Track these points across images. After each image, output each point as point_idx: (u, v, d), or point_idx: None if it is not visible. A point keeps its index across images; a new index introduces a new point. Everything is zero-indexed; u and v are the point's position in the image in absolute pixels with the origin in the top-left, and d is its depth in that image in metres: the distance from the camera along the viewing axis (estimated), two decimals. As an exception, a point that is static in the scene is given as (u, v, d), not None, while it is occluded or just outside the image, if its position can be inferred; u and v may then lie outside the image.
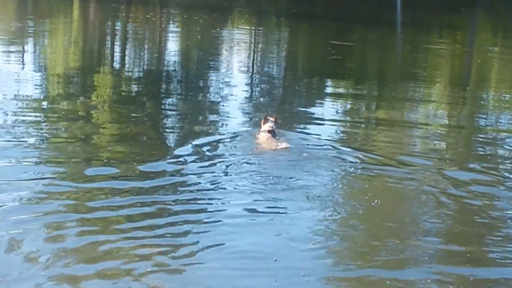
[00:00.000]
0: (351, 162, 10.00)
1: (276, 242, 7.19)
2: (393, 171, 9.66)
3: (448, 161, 10.42)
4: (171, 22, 28.71)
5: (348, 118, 13.33)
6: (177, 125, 11.99)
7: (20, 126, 10.73)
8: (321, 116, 13.18)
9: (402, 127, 12.67)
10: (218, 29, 25.45)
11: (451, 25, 34.61)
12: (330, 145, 10.81)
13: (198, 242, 7.09)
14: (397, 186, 9.16)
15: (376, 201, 8.45)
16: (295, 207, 8.13)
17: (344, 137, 11.69)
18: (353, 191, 9.00)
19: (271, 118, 10.97)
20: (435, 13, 39.16)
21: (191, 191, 8.50)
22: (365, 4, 41.22)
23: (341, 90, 16.26)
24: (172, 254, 6.80)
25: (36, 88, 14.03)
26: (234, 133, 11.18)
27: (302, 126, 12.19)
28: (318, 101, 15.02)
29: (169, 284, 6.27)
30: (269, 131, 10.68)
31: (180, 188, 8.62)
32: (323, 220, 7.83)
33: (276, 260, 6.75)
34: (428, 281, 6.62)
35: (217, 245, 7.03)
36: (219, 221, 7.67)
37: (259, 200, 8.33)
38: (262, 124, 10.92)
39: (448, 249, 7.42)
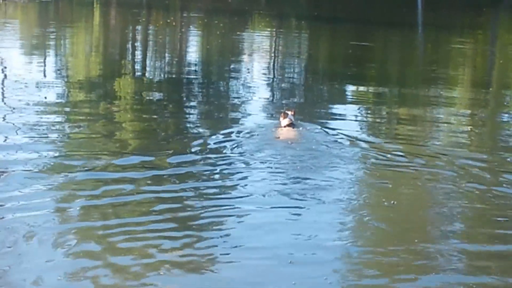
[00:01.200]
0: (372, 158, 9.97)
1: (294, 242, 7.08)
2: (415, 169, 9.59)
3: (470, 159, 10.30)
4: (191, 26, 28.75)
5: (369, 116, 13.30)
6: (198, 122, 12.16)
7: (43, 125, 10.87)
8: (342, 113, 13.23)
9: (424, 125, 12.63)
10: (238, 33, 25.45)
11: (473, 25, 34.40)
12: (351, 140, 10.79)
13: (215, 239, 7.06)
14: (420, 185, 9.09)
15: (393, 202, 8.32)
16: (316, 206, 8.05)
17: (366, 133, 11.62)
18: (374, 189, 8.92)
19: (290, 112, 11.10)
20: (457, 13, 38.96)
21: (211, 186, 8.50)
22: (386, 6, 41.09)
23: (362, 89, 16.20)
24: (188, 251, 6.76)
25: (58, 92, 14.09)
26: (255, 127, 11.29)
27: (323, 121, 12.17)
28: (339, 99, 14.99)
29: (184, 281, 6.24)
30: (288, 125, 10.84)
31: (198, 176, 8.73)
32: (344, 222, 7.71)
33: (291, 262, 6.63)
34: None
35: (235, 246, 6.94)
36: (238, 218, 7.63)
37: (280, 197, 8.27)
38: (281, 118, 11.05)
39: (472, 250, 7.22)
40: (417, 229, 7.71)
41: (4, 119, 11.16)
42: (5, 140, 9.98)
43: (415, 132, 11.89)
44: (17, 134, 10.25)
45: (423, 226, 7.89)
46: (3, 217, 7.20)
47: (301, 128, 11.05)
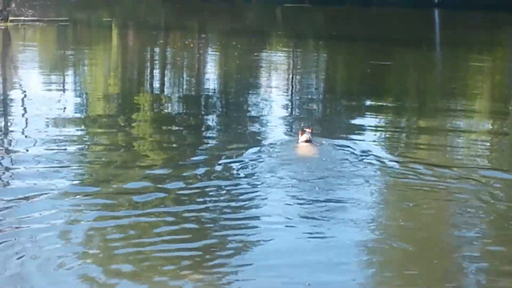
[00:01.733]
0: (392, 176, 9.92)
1: (313, 263, 7.02)
2: (436, 187, 9.49)
3: (494, 178, 10.14)
4: (209, 47, 28.78)
5: (388, 134, 13.23)
6: (215, 139, 12.27)
7: (64, 140, 11.32)
8: (360, 130, 13.21)
9: (444, 142, 12.55)
10: (256, 53, 25.42)
11: (492, 42, 34.21)
12: (369, 158, 10.74)
13: (232, 259, 7.05)
14: (441, 204, 9.01)
15: (413, 222, 8.24)
16: (335, 226, 7.99)
17: (385, 151, 11.52)
18: (394, 209, 8.86)
19: (307, 129, 11.17)
20: (475, 31, 38.82)
21: (228, 206, 8.49)
22: (404, 24, 41.09)
23: (380, 107, 16.08)
24: (205, 270, 6.76)
25: (77, 111, 14.34)
26: (273, 145, 11.37)
27: (341, 139, 12.11)
28: (357, 117, 14.90)
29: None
30: (306, 141, 10.91)
31: (218, 194, 8.77)
32: (363, 243, 7.60)
33: (309, 284, 6.53)
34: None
35: (252, 265, 6.95)
36: (256, 238, 7.60)
37: (298, 217, 8.23)
38: (299, 135, 11.14)
39: (494, 271, 7.12)
40: (438, 250, 7.61)
41: (23, 132, 11.67)
42: (26, 152, 10.45)
43: (435, 150, 11.79)
44: (36, 147, 10.62)
45: (445, 247, 7.77)
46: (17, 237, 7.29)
47: (318, 145, 11.04)
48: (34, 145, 11.00)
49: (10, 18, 32.30)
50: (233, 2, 53.64)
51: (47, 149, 10.72)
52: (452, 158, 11.37)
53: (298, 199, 8.74)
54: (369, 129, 13.33)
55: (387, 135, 13.04)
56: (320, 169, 9.93)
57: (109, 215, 8.07)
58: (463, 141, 12.99)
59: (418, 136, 13.03)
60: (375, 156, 10.86)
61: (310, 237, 7.67)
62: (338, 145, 11.40)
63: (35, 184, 9.01)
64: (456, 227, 8.27)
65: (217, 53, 26.86)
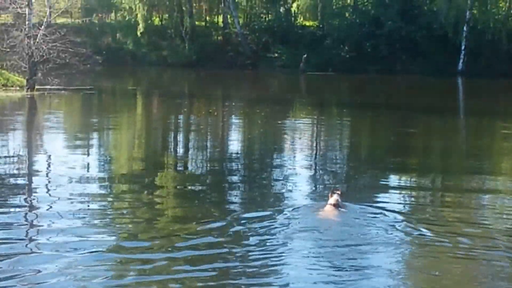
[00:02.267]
0: (414, 245, 9.77)
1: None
2: (461, 256, 9.32)
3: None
4: (233, 115, 28.85)
5: (413, 200, 13.08)
6: (240, 201, 12.40)
7: (87, 212, 11.23)
8: (384, 194, 13.21)
9: (469, 210, 12.33)
10: (279, 121, 25.44)
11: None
12: (396, 220, 10.80)
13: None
14: (468, 275, 8.79)
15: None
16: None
17: (409, 218, 11.26)
18: (419, 279, 8.69)
19: (337, 192, 11.22)
20: (499, 99, 38.75)
21: (250, 264, 8.63)
22: (428, 92, 41.13)
23: (405, 176, 15.91)
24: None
25: (100, 176, 14.34)
26: (297, 207, 11.44)
27: (366, 201, 12.07)
28: (381, 181, 14.83)
29: None
30: (334, 204, 10.94)
31: (239, 258, 8.87)
32: None
33: None
34: None
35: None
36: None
37: (321, 279, 8.25)
38: (329, 196, 11.21)
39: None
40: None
41: (50, 207, 11.38)
42: (50, 225, 10.33)
43: (460, 217, 11.53)
44: (61, 220, 10.44)
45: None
46: None
47: (345, 209, 10.99)
48: (57, 202, 11.32)
49: (37, 87, 32.71)
50: (257, 70, 54.08)
51: (70, 206, 11.09)
52: (478, 222, 11.15)
53: (321, 266, 8.63)
54: (394, 194, 13.27)
55: (412, 200, 12.88)
56: (344, 235, 9.83)
57: (130, 270, 8.35)
58: (490, 203, 12.85)
59: (444, 201, 12.86)
60: (400, 221, 10.77)
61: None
62: (364, 210, 11.33)
63: (57, 240, 9.33)
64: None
65: (241, 120, 26.90)
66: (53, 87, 32.85)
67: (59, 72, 34.44)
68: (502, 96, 41.07)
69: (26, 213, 10.91)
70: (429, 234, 10.09)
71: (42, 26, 33.39)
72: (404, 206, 12.14)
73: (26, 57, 32.36)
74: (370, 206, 11.65)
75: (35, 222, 10.44)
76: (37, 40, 32.48)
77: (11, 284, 7.79)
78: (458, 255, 9.21)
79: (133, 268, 8.49)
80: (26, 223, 10.42)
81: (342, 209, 10.95)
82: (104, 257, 8.80)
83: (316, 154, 18.82)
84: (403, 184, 14.63)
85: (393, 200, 12.65)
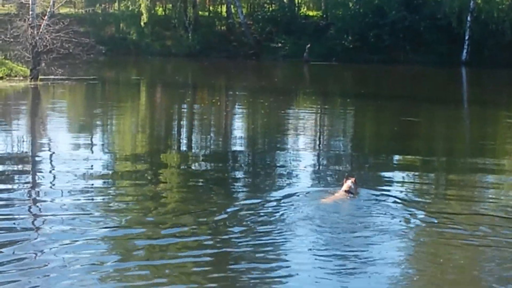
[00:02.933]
0: (421, 224, 9.97)
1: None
2: (467, 242, 9.34)
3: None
4: (236, 105, 28.87)
5: (417, 186, 13.06)
6: (244, 190, 12.40)
7: (90, 191, 11.65)
8: (389, 183, 13.18)
9: (473, 192, 12.43)
10: (283, 111, 25.45)
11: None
12: (401, 209, 10.79)
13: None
14: (474, 261, 8.85)
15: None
16: (361, 278, 7.96)
17: (415, 202, 11.37)
18: (421, 250, 8.94)
19: (351, 179, 11.26)
20: (502, 89, 38.72)
21: (255, 249, 8.70)
22: (431, 82, 41.10)
23: (409, 160, 16.02)
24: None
25: (104, 166, 14.44)
26: (300, 194, 11.51)
27: (373, 188, 12.09)
28: (386, 170, 14.81)
29: None
30: (346, 191, 11.01)
31: (243, 243, 8.95)
32: None
33: None
34: None
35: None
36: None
37: (322, 258, 8.41)
38: (344, 182, 11.27)
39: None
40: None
41: (51, 185, 11.87)
42: (52, 201, 10.83)
43: (466, 205, 11.54)
44: (64, 207, 10.48)
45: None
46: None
47: (356, 196, 11.04)
48: (61, 196, 11.24)
49: (40, 76, 32.75)
50: (260, 60, 54.07)
51: (74, 199, 11.01)
52: (481, 212, 11.18)
53: (324, 253, 8.68)
54: (398, 182, 13.28)
55: (417, 189, 12.83)
56: (349, 222, 9.94)
57: (132, 258, 8.40)
58: (493, 193, 12.82)
59: (450, 190, 12.84)
60: (405, 209, 10.77)
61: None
62: (376, 197, 11.37)
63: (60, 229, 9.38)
64: (485, 282, 8.12)
65: (244, 110, 26.91)
66: (56, 77, 32.90)
67: (63, 62, 34.45)
68: (505, 86, 41.05)
69: (29, 204, 10.91)
70: (435, 221, 10.10)
71: (46, 16, 33.40)
72: (409, 194, 12.10)
73: (30, 47, 32.40)
74: (382, 194, 11.65)
75: (37, 210, 10.51)
76: (41, 30, 32.53)
77: (10, 269, 7.83)
78: (465, 243, 9.23)
79: (135, 254, 8.56)
80: (28, 212, 10.45)
81: (353, 196, 11.00)
82: (106, 243, 8.92)
83: (320, 143, 18.86)
84: (408, 172, 14.63)
85: (397, 188, 12.67)
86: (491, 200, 11.92)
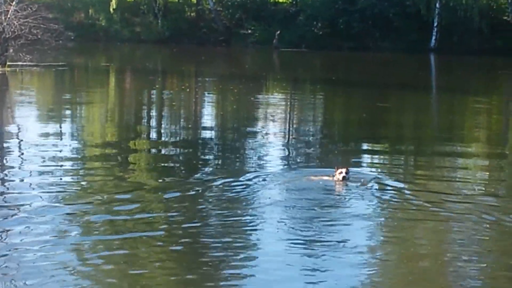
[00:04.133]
0: (393, 204, 10.27)
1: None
2: (437, 213, 9.79)
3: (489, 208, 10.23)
4: (206, 92, 28.82)
5: (385, 168, 13.22)
6: (214, 174, 12.13)
7: (58, 172, 11.79)
8: (358, 166, 13.29)
9: (441, 178, 12.53)
10: (253, 97, 25.46)
11: (487, 86, 34.43)
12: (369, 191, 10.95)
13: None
14: (441, 226, 9.28)
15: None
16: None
17: (383, 183, 11.53)
18: (396, 233, 9.05)
19: (344, 168, 11.26)
20: (472, 76, 39.05)
21: (223, 223, 8.97)
22: (401, 69, 41.36)
23: (377, 145, 16.19)
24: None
25: (72, 153, 14.35)
26: (272, 174, 11.87)
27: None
28: (355, 153, 14.98)
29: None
30: (343, 178, 11.12)
31: (213, 219, 9.29)
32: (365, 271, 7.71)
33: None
34: None
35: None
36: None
37: (292, 241, 8.54)
38: (335, 171, 11.31)
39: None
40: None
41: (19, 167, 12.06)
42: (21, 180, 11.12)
43: (434, 183, 11.69)
44: (32, 191, 10.49)
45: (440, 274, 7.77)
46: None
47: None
48: (29, 176, 11.45)
49: (8, 63, 32.44)
50: (230, 46, 53.98)
51: (42, 180, 11.18)
52: (454, 189, 11.41)
53: (294, 234, 8.81)
54: (365, 166, 13.47)
55: (386, 171, 12.96)
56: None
57: (93, 233, 8.76)
58: (461, 174, 13.07)
59: (416, 176, 12.95)
60: (375, 191, 11.01)
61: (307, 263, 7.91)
62: None
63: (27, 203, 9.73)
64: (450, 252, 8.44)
65: (214, 97, 26.90)
66: (25, 63, 32.58)
67: (31, 48, 34.12)
68: (474, 72, 41.44)
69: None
70: (405, 202, 10.40)
71: (14, 2, 33.07)
72: (378, 177, 12.22)
73: (-3, 33, 32.07)
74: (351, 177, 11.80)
75: (5, 189, 10.55)
76: (9, 16, 32.18)
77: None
78: (435, 222, 9.50)
79: (97, 229, 8.87)
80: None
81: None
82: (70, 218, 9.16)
83: (289, 128, 18.93)
84: (376, 156, 14.82)
85: (365, 171, 12.83)
86: (461, 187, 12.08)
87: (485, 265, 8.05)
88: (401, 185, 11.53)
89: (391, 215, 9.85)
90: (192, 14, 60.89)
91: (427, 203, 10.28)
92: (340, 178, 11.08)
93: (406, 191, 11.01)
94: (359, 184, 11.03)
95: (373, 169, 13.04)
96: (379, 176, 12.14)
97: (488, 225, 9.39)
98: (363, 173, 12.11)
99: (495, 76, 39.32)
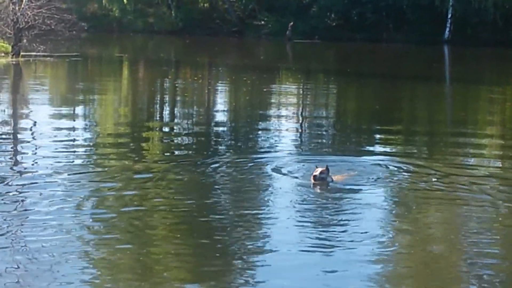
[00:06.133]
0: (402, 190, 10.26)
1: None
2: (451, 201, 9.81)
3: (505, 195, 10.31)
4: (219, 82, 28.84)
5: (398, 160, 13.09)
6: (225, 169, 11.88)
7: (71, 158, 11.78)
8: (370, 154, 13.48)
9: (455, 168, 12.47)
10: (265, 88, 25.44)
11: (501, 77, 34.25)
12: (383, 180, 11.03)
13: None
14: (451, 209, 9.37)
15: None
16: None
17: (397, 174, 11.49)
18: (403, 225, 8.99)
19: (321, 168, 10.67)
20: (485, 67, 38.88)
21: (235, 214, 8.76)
22: (414, 60, 41.24)
23: (389, 134, 16.23)
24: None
25: (85, 141, 14.43)
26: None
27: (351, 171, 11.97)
28: (368, 142, 14.98)
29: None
30: (313, 176, 10.55)
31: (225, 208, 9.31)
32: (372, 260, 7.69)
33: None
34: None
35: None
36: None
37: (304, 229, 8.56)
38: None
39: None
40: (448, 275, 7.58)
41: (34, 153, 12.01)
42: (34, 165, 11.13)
43: (447, 176, 11.62)
44: (45, 180, 10.52)
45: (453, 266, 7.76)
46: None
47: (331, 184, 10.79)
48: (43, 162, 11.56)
49: (22, 53, 32.55)
50: (243, 37, 53.95)
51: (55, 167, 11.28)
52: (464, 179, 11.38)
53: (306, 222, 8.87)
54: (380, 154, 13.41)
55: (398, 161, 12.80)
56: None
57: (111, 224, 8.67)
58: (476, 162, 13.07)
59: (430, 167, 12.82)
60: (388, 181, 11.00)
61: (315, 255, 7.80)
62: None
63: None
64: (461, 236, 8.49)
65: (227, 88, 26.90)
66: (38, 53, 32.65)
67: (45, 38, 34.27)
68: (487, 64, 41.24)
69: (10, 177, 10.92)
70: (420, 190, 10.45)
71: (27, -8, 33.17)
72: (390, 165, 12.21)
73: (11, 23, 32.11)
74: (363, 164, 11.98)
75: (18, 183, 10.46)
76: (22, 6, 32.26)
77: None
78: (451, 210, 9.59)
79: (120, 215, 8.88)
80: (11, 170, 10.93)
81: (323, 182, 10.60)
82: (88, 212, 9.09)
83: (301, 119, 18.93)
84: (389, 146, 14.83)
85: (378, 158, 12.83)
86: (473, 168, 12.23)
87: (500, 252, 8.04)
88: (415, 172, 11.54)
89: (406, 203, 9.84)
90: (205, 5, 60.88)
91: (442, 191, 10.33)
92: (311, 178, 10.51)
93: (420, 180, 11.00)
94: (331, 180, 10.58)
95: (386, 157, 13.00)
96: (393, 164, 12.15)
97: (504, 213, 9.41)
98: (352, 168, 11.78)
99: (510, 67, 39.13)
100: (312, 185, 10.42)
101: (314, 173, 10.46)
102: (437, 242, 8.43)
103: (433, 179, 11.01)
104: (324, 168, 10.56)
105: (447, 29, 53.21)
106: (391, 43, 50.64)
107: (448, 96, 25.76)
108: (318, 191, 10.21)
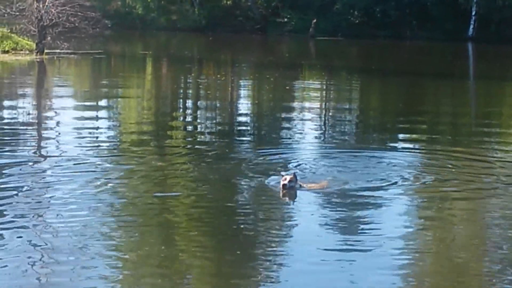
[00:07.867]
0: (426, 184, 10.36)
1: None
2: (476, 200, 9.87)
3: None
4: (242, 80, 28.86)
5: (419, 158, 13.07)
6: (248, 166, 11.88)
7: (98, 164, 11.61)
8: (393, 149, 13.59)
9: (481, 160, 12.58)
10: (288, 86, 25.44)
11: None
12: (404, 177, 10.98)
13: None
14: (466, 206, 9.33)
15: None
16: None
17: (418, 172, 11.43)
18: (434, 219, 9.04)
19: (289, 177, 10.31)
20: (510, 65, 38.63)
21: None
22: (438, 57, 41.05)
23: (413, 132, 16.28)
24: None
25: (109, 138, 14.62)
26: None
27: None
28: (390, 142, 14.97)
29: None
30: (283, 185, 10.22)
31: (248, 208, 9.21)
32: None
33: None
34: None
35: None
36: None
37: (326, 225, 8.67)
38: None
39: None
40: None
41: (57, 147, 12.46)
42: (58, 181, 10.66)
43: (469, 173, 11.58)
44: (68, 177, 10.57)
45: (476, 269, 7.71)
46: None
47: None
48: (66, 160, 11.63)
49: (46, 50, 32.73)
50: (266, 35, 53.94)
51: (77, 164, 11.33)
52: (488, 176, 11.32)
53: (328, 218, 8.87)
54: (403, 151, 13.41)
55: (419, 159, 12.83)
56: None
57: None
58: (500, 158, 13.02)
59: (453, 161, 12.69)
60: (409, 178, 10.96)
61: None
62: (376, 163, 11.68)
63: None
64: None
65: (250, 85, 26.92)
66: (62, 51, 32.85)
67: (68, 36, 34.46)
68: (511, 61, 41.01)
69: (32, 172, 11.02)
70: (443, 187, 10.47)
71: (52, -10, 33.34)
72: (414, 162, 12.24)
73: (35, 21, 32.33)
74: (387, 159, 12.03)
75: (42, 179, 10.57)
76: (46, 3, 32.44)
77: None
78: (475, 208, 9.61)
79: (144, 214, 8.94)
80: (32, 179, 10.68)
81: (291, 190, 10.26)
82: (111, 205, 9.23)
83: (324, 117, 18.92)
84: (411, 143, 14.80)
85: (401, 154, 12.90)
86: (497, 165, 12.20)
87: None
88: (439, 169, 11.56)
89: (430, 201, 9.83)
90: (228, 2, 60.90)
91: (466, 190, 10.29)
92: (281, 187, 10.17)
93: (443, 178, 11.01)
94: (299, 187, 10.28)
95: (410, 153, 13.12)
96: (417, 160, 12.16)
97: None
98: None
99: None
100: (281, 195, 10.13)
101: (283, 182, 10.16)
102: (462, 240, 8.41)
103: (457, 178, 10.95)
104: (292, 176, 10.28)
105: (471, 26, 52.96)
106: (414, 40, 50.46)
107: (472, 93, 25.66)
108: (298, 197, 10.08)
